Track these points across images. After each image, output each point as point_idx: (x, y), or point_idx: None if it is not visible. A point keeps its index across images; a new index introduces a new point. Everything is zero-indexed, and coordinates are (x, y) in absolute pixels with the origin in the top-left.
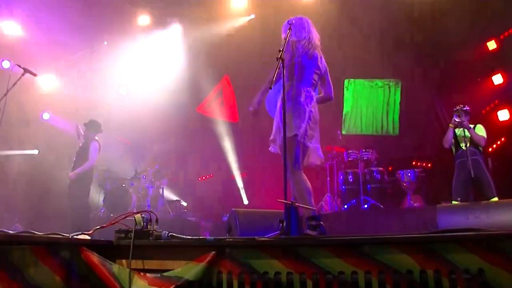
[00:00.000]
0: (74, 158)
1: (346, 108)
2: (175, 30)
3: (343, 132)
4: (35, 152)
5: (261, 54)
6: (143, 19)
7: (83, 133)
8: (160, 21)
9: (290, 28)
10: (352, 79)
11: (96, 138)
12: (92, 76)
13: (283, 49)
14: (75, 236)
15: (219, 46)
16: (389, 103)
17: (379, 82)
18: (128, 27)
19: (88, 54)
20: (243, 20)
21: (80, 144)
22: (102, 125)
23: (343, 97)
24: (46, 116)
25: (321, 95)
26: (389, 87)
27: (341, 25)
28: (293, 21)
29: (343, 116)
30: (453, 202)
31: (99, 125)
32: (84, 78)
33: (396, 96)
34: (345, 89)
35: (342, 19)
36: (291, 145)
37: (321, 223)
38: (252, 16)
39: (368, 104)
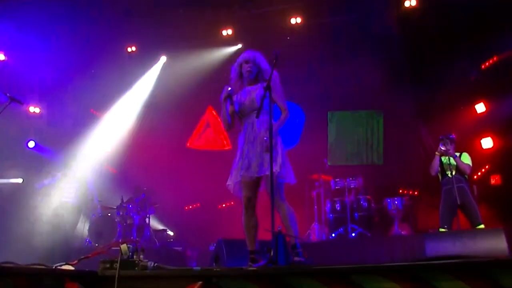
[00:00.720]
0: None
1: (330, 139)
2: (160, 63)
3: (329, 163)
4: (19, 181)
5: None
6: (130, 49)
7: None
8: (146, 52)
9: (276, 59)
10: (336, 112)
11: None
12: (78, 103)
13: (270, 79)
14: (59, 267)
15: (204, 77)
16: (373, 133)
17: (362, 113)
18: (115, 57)
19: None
20: (230, 50)
21: None
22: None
23: (327, 129)
24: (31, 144)
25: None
26: (372, 117)
27: (323, 58)
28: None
29: (328, 147)
30: (440, 229)
31: None
32: (70, 106)
33: (379, 126)
34: (328, 121)
35: (325, 53)
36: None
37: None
38: (239, 46)
39: (352, 135)
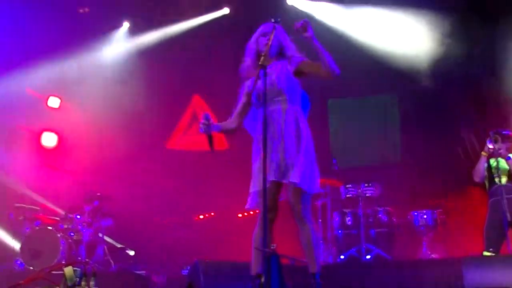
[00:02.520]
0: None
1: (333, 134)
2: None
3: (339, 165)
4: None
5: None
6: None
7: None
8: (103, 17)
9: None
10: (337, 99)
11: None
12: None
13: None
14: None
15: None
16: (386, 124)
17: (372, 100)
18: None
19: None
20: (211, 17)
21: None
22: None
23: (328, 122)
24: None
25: None
26: (385, 105)
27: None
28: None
29: (331, 145)
30: (485, 253)
31: None
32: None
33: (395, 115)
34: (329, 111)
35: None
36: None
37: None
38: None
39: (360, 128)
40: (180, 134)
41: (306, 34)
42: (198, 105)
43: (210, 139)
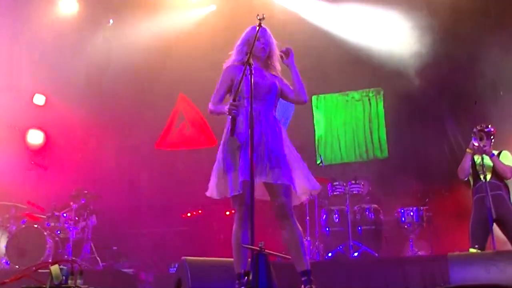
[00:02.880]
0: None
1: (319, 132)
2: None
3: (318, 163)
4: None
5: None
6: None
7: None
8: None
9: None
10: (322, 95)
11: None
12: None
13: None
14: None
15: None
16: (371, 119)
17: (355, 94)
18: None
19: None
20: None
21: None
22: None
23: (312, 118)
24: None
25: None
26: (369, 99)
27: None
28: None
29: (316, 143)
30: (470, 250)
31: None
32: None
33: (379, 109)
34: (314, 108)
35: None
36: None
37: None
38: (213, 8)
39: (345, 124)
40: (168, 134)
41: (287, 61)
42: (183, 103)
43: (234, 121)
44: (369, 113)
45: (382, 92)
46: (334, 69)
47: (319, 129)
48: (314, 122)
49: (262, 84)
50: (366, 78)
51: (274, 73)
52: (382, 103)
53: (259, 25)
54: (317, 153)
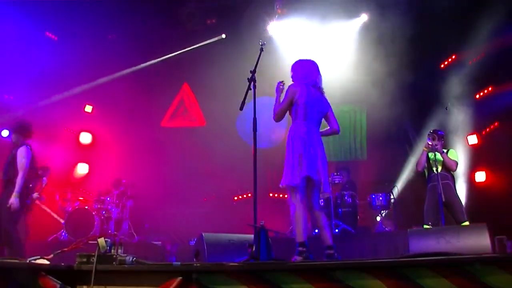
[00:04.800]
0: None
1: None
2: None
3: None
4: None
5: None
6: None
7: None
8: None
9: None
10: None
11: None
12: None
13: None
14: (33, 261)
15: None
16: (355, 127)
17: (345, 108)
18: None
19: None
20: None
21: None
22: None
23: None
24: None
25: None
26: (355, 112)
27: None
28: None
29: None
30: (425, 226)
31: (28, 127)
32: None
33: (363, 121)
34: None
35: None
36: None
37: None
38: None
39: None
40: (170, 115)
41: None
42: (185, 91)
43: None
44: (354, 123)
45: (366, 110)
46: (330, 87)
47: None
48: None
49: (313, 103)
50: (354, 97)
51: None
52: (365, 117)
53: (261, 49)
54: None
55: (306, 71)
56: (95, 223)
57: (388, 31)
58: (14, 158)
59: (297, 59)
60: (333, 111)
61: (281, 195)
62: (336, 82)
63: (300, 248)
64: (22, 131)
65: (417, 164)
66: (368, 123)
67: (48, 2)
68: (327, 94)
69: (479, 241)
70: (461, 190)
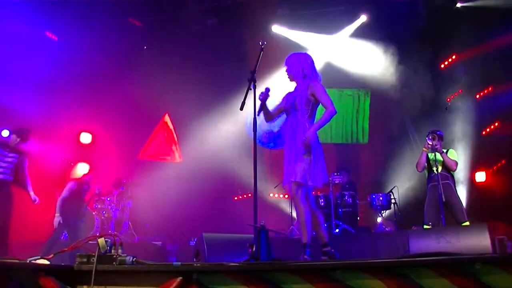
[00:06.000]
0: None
1: (316, 117)
2: None
3: None
4: None
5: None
6: None
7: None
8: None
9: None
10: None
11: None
12: None
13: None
14: (33, 261)
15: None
16: (358, 110)
17: (349, 91)
18: None
19: None
20: None
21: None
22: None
23: None
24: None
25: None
26: (359, 96)
27: None
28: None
29: None
30: (425, 226)
31: (27, 131)
32: None
33: (366, 104)
34: None
35: None
36: None
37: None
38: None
39: (337, 112)
40: (147, 147)
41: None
42: (164, 123)
43: (261, 106)
44: (357, 106)
45: (369, 92)
46: (335, 71)
47: (317, 115)
48: None
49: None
50: (359, 81)
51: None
52: (368, 100)
53: (261, 49)
54: None
55: (313, 65)
56: (95, 223)
57: (388, 31)
58: (21, 162)
59: (291, 52)
60: (338, 94)
61: (281, 195)
62: (340, 66)
63: (327, 249)
64: (21, 134)
65: (417, 164)
66: (371, 107)
67: (48, 2)
68: (333, 77)
69: (479, 241)
70: (461, 190)
